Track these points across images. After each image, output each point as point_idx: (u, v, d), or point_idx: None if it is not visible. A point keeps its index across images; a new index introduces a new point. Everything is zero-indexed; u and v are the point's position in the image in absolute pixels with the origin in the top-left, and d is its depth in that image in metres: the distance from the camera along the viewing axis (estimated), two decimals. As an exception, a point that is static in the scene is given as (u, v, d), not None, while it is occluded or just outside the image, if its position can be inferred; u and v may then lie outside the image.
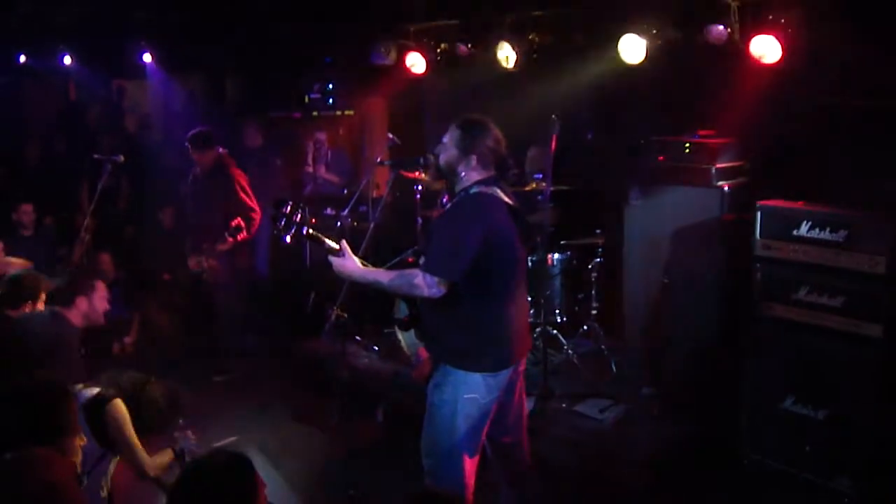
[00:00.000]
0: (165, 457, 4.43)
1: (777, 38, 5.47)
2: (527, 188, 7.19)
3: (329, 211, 8.51)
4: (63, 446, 3.50)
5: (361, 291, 5.73)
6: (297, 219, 4.16)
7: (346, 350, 6.68)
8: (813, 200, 5.28)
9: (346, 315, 6.11)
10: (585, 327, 7.29)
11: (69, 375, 4.45)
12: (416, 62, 7.99)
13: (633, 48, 6.18)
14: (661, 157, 6.16)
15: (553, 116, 6.27)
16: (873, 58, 5.28)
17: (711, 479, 5.38)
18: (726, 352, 5.67)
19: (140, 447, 4.30)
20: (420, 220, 7.89)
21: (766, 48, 5.53)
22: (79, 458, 3.67)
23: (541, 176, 7.12)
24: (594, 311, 7.23)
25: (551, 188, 6.52)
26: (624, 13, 6.22)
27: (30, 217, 8.47)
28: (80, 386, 4.34)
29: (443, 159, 4.27)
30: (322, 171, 9.17)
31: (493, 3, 7.19)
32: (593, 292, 7.21)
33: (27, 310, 5.43)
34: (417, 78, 8.20)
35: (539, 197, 7.07)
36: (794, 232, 5.14)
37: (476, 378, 4.13)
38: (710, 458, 5.53)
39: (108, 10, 8.79)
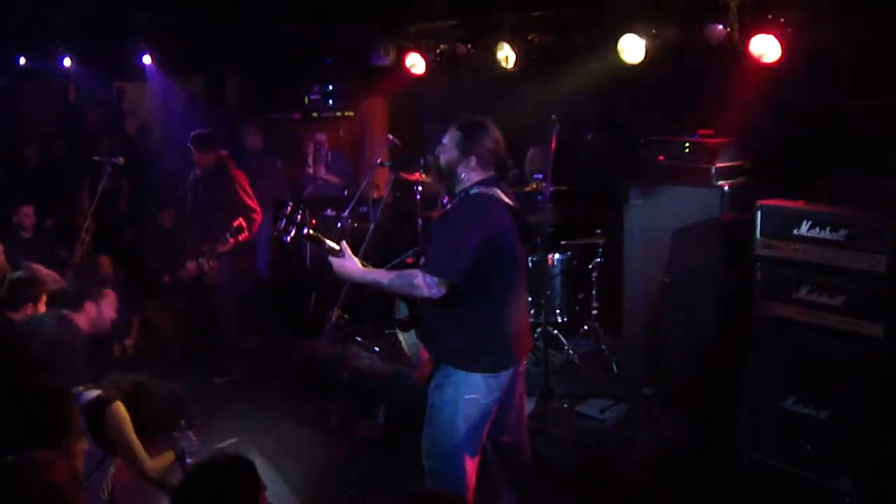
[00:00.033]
0: (166, 458, 4.43)
1: (776, 37, 5.47)
2: (527, 188, 7.19)
3: (329, 212, 8.52)
4: (65, 449, 3.50)
5: (362, 292, 5.74)
6: (298, 219, 4.16)
7: (346, 351, 6.68)
8: (813, 200, 5.28)
9: (346, 316, 6.11)
10: (586, 327, 7.29)
11: (72, 378, 4.45)
12: (415, 63, 7.99)
13: (632, 48, 6.18)
14: (660, 157, 6.16)
15: (553, 117, 6.27)
16: (873, 57, 5.28)
17: (712, 479, 5.39)
18: (727, 351, 5.67)
19: (141, 449, 4.30)
20: (420, 221, 7.89)
21: (765, 48, 5.53)
22: (81, 462, 3.67)
23: (541, 176, 7.12)
24: (595, 311, 7.23)
25: (551, 188, 6.52)
26: (623, 13, 6.22)
27: (30, 219, 8.46)
28: (80, 388, 4.33)
29: (443, 160, 4.27)
30: (322, 172, 9.17)
31: (492, 3, 7.19)
32: (594, 292, 7.21)
33: (28, 311, 5.43)
34: (417, 78, 8.20)
35: (539, 197, 7.07)
36: (795, 231, 5.14)
37: (477, 379, 4.13)
38: (710, 457, 5.53)
39: (108, 12, 8.79)
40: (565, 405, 6.37)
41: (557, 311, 7.20)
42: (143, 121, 12.56)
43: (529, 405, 6.00)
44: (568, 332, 7.22)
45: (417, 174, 7.53)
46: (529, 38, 7.04)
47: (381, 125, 10.02)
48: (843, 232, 4.94)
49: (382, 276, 4.21)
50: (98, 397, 4.30)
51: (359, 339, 7.74)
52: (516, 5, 7.08)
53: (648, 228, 6.25)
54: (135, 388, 4.43)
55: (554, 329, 7.06)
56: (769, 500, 5.26)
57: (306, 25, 8.46)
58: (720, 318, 5.84)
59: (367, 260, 4.35)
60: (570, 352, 7.06)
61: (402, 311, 4.46)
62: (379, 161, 7.92)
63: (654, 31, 6.10)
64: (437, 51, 7.84)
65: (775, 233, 5.25)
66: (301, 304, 8.26)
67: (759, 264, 5.34)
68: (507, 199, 4.22)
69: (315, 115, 9.79)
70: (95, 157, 7.82)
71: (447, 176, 4.28)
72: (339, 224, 7.81)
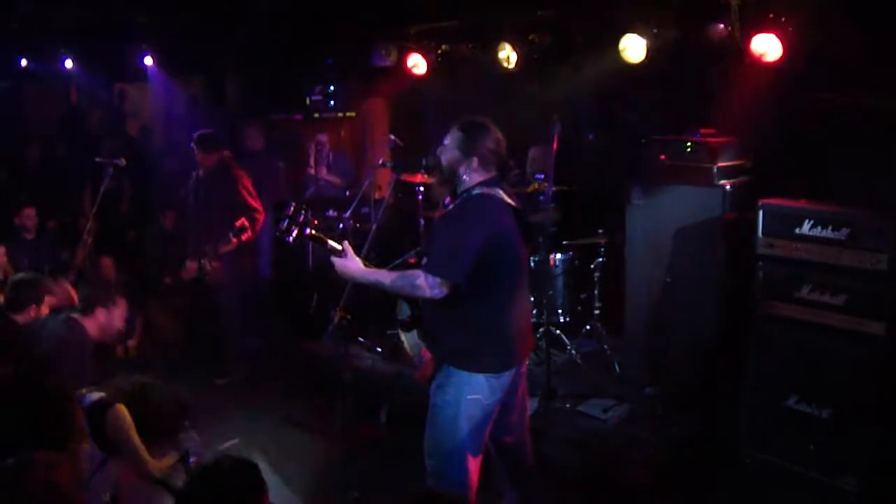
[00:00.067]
0: (170, 459, 4.43)
1: (778, 36, 5.47)
2: (529, 189, 7.19)
3: (331, 213, 8.52)
4: (69, 451, 3.50)
5: (364, 293, 5.74)
6: (300, 220, 4.17)
7: (348, 351, 6.68)
8: (814, 199, 5.28)
9: (348, 316, 6.11)
10: (588, 327, 7.29)
11: (77, 381, 4.45)
12: (417, 63, 8.00)
13: (633, 48, 6.19)
14: (662, 157, 6.16)
15: (554, 117, 6.28)
16: (874, 56, 5.28)
17: (715, 479, 5.38)
18: (729, 351, 5.67)
19: (143, 450, 4.30)
20: (422, 222, 7.89)
21: (766, 47, 5.53)
22: (85, 464, 3.67)
23: (542, 176, 7.12)
24: (597, 311, 7.23)
25: (553, 188, 6.52)
26: (624, 13, 6.23)
27: (32, 221, 8.48)
28: (83, 390, 4.34)
29: (444, 161, 4.27)
30: (324, 172, 9.17)
31: (493, 4, 7.19)
32: (596, 292, 7.22)
33: (31, 313, 5.43)
34: (418, 79, 8.20)
35: (541, 197, 7.07)
36: (796, 230, 5.14)
37: (479, 379, 4.13)
38: (713, 457, 5.53)
39: (109, 14, 8.80)
40: (568, 405, 6.38)
41: (559, 311, 7.21)
42: (145, 122, 12.58)
43: (532, 405, 6.02)
44: (570, 331, 7.23)
45: (419, 176, 7.53)
46: (531, 38, 7.04)
47: (382, 126, 10.02)
48: (844, 231, 4.94)
49: (384, 277, 4.22)
50: (100, 399, 4.30)
51: (361, 339, 7.74)
52: (517, 6, 7.08)
53: (650, 228, 6.25)
54: (138, 391, 4.43)
55: (556, 329, 7.07)
56: (772, 500, 5.25)
57: (307, 26, 8.46)
58: (722, 318, 5.84)
59: (368, 261, 4.36)
60: (573, 352, 7.07)
61: (405, 311, 4.46)
62: (381, 161, 7.92)
63: (655, 30, 6.10)
64: (439, 51, 7.85)
65: (777, 232, 5.25)
66: (303, 305, 8.26)
67: (760, 263, 5.34)
68: (508, 200, 4.22)
69: (316, 115, 9.79)
70: (97, 159, 7.81)
71: (448, 177, 4.28)
72: (341, 225, 7.81)
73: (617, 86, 6.87)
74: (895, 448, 4.88)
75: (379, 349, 7.63)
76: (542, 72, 7.28)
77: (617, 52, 6.25)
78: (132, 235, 9.99)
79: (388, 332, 7.52)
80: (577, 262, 7.30)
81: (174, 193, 9.18)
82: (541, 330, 6.77)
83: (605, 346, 7.10)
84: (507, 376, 4.21)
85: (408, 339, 4.52)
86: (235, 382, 7.48)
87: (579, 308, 7.34)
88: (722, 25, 5.68)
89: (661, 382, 6.21)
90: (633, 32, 6.14)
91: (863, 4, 5.27)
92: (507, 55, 7.10)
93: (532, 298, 6.67)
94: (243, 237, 7.09)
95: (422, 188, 7.74)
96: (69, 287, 6.21)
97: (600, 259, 7.17)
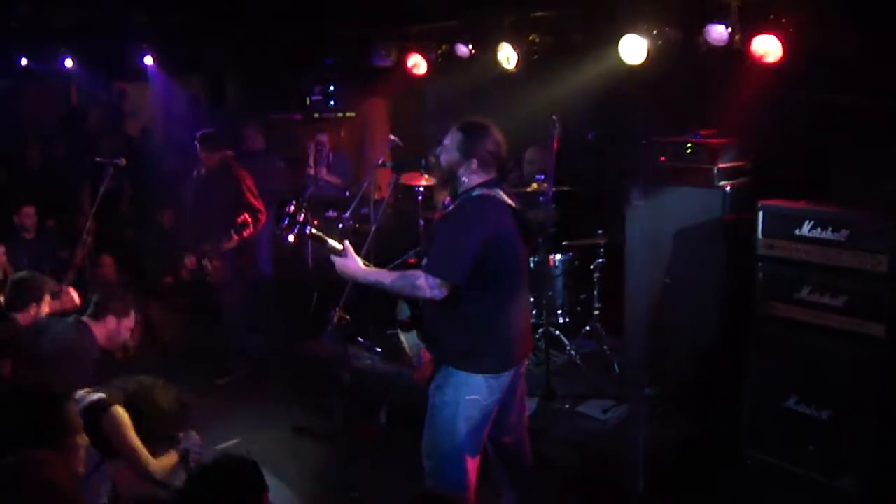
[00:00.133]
0: (170, 459, 4.43)
1: (778, 37, 5.47)
2: (528, 189, 7.19)
3: (331, 213, 8.52)
4: (66, 449, 3.49)
5: (364, 293, 5.73)
6: (301, 218, 4.16)
7: (348, 351, 6.68)
8: (814, 200, 5.28)
9: (348, 317, 6.11)
10: (588, 328, 7.28)
11: (80, 384, 4.44)
12: (417, 63, 7.99)
13: (633, 48, 6.18)
14: (662, 158, 6.15)
15: (553, 117, 6.27)
16: (874, 57, 5.28)
17: (715, 480, 5.38)
18: (729, 352, 5.66)
19: (143, 451, 4.29)
20: (422, 222, 7.89)
21: (767, 48, 5.53)
22: (82, 458, 3.66)
23: (542, 177, 7.12)
24: (596, 312, 7.22)
25: (553, 189, 6.52)
26: (625, 14, 6.22)
27: (32, 220, 8.47)
28: (82, 392, 4.33)
29: (443, 162, 4.27)
30: (323, 172, 9.17)
31: (493, 3, 7.18)
32: (595, 293, 7.21)
33: (32, 312, 5.42)
34: (418, 79, 8.20)
35: (541, 198, 7.07)
36: (796, 231, 5.14)
37: (478, 380, 4.14)
38: (713, 458, 5.52)
39: (109, 13, 8.79)
40: (567, 406, 6.38)
41: (559, 312, 7.20)
42: (145, 122, 12.58)
43: (531, 406, 6.01)
44: (570, 332, 7.22)
45: (419, 177, 7.54)
46: (530, 38, 7.04)
47: (382, 126, 10.02)
48: (844, 232, 4.94)
49: (384, 277, 4.22)
50: (98, 401, 4.29)
51: (360, 339, 7.74)
52: (517, 6, 7.07)
53: (650, 229, 6.24)
54: (139, 391, 4.42)
55: (556, 329, 7.06)
56: (772, 501, 5.26)
57: (307, 26, 8.46)
58: (722, 319, 5.83)
59: (368, 261, 4.36)
60: (572, 352, 7.06)
61: (404, 311, 4.46)
62: (380, 162, 7.93)
63: (655, 31, 6.10)
64: (439, 51, 7.84)
65: (777, 233, 5.25)
66: (303, 305, 8.26)
67: (760, 264, 5.34)
68: (508, 201, 4.22)
69: (316, 115, 9.79)
70: (97, 158, 7.80)
71: (448, 178, 4.28)
72: (341, 225, 7.81)
73: (617, 86, 6.86)
74: (895, 449, 4.88)
75: (378, 349, 7.63)
76: (541, 72, 7.28)
77: (617, 52, 6.24)
78: (132, 235, 9.99)
79: (388, 332, 7.52)
80: (576, 263, 7.30)
81: (174, 193, 9.18)
82: (540, 330, 6.76)
83: (605, 347, 7.10)
84: (505, 377, 4.21)
85: (407, 340, 4.52)
86: (235, 382, 7.49)
87: (579, 309, 7.33)
88: (722, 26, 5.68)
89: (661, 383, 6.20)
90: (634, 33, 6.13)
91: (863, 5, 5.27)
92: (507, 55, 7.10)
93: (532, 299, 6.67)
94: (245, 233, 7.09)
95: (421, 189, 7.75)
96: (72, 290, 6.21)
97: (600, 260, 7.16)
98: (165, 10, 8.73)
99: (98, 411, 4.23)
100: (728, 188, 5.82)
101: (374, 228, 6.34)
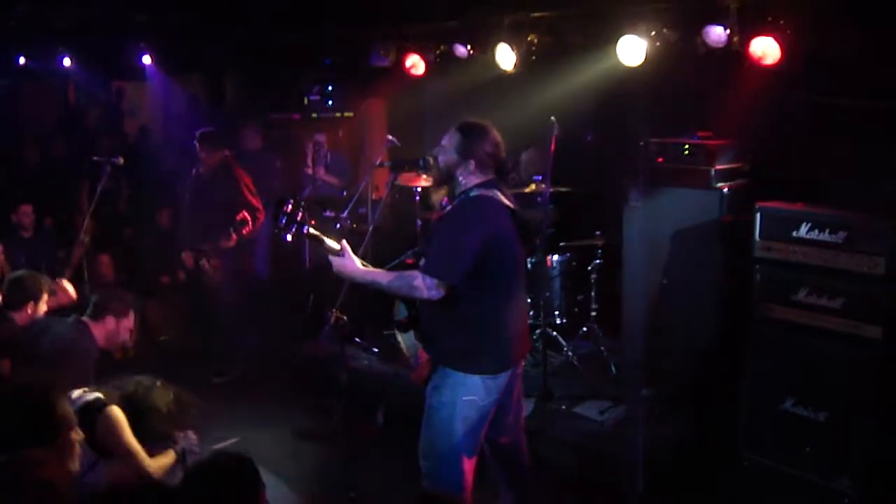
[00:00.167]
0: (167, 459, 4.42)
1: (776, 39, 5.47)
2: (526, 190, 7.19)
3: (328, 213, 8.51)
4: (58, 446, 3.49)
5: (361, 293, 5.73)
6: (299, 218, 4.16)
7: (345, 352, 6.67)
8: (812, 202, 5.29)
9: (345, 317, 6.11)
10: (585, 329, 7.28)
11: (79, 384, 4.43)
12: (415, 64, 7.99)
13: (632, 50, 6.18)
14: (660, 159, 6.16)
15: (552, 118, 6.27)
16: (872, 59, 5.28)
17: (712, 481, 5.39)
18: (726, 353, 5.67)
19: (140, 451, 4.27)
20: (419, 222, 7.89)
21: (765, 49, 5.53)
22: (77, 454, 3.66)
23: (540, 178, 7.13)
24: (594, 313, 7.22)
25: (551, 190, 6.52)
26: (623, 15, 6.22)
27: (29, 218, 8.47)
28: (78, 391, 4.32)
29: (441, 162, 4.27)
30: (321, 172, 9.16)
31: (492, 4, 7.18)
32: (593, 294, 7.21)
33: (29, 311, 5.42)
34: (417, 79, 8.20)
35: (538, 198, 7.07)
36: (794, 233, 5.15)
37: (475, 380, 4.14)
38: (710, 459, 5.53)
39: (108, 12, 8.79)
40: (564, 407, 6.38)
41: (556, 313, 7.20)
42: (143, 121, 12.58)
43: (528, 406, 6.02)
44: (567, 333, 7.22)
45: (416, 178, 7.53)
46: (529, 39, 7.03)
47: (380, 126, 10.02)
48: (841, 234, 4.95)
49: (382, 277, 4.22)
50: (94, 401, 4.28)
51: (358, 339, 7.74)
52: (516, 6, 7.07)
53: (648, 230, 6.23)
54: (137, 391, 4.41)
55: (553, 330, 7.06)
56: (769, 502, 5.26)
57: (306, 26, 8.45)
58: (719, 320, 5.84)
59: (365, 261, 4.35)
60: (569, 353, 7.06)
61: (402, 312, 4.45)
62: (378, 161, 7.92)
63: (653, 32, 6.10)
64: (437, 52, 7.84)
65: (774, 235, 5.26)
66: (300, 305, 8.25)
67: (758, 266, 5.35)
68: (506, 202, 4.22)
69: (314, 115, 9.79)
70: (95, 157, 7.80)
71: (445, 178, 4.28)
72: (338, 225, 7.80)
73: (615, 87, 6.86)
74: (891, 451, 4.88)
75: (375, 350, 7.62)
76: (540, 73, 7.28)
77: (615, 53, 6.25)
78: (129, 234, 9.99)
79: (385, 332, 7.52)
80: (574, 264, 7.30)
81: (172, 192, 9.18)
82: (537, 331, 6.77)
83: (602, 348, 7.10)
84: (503, 377, 4.21)
85: (404, 340, 4.51)
86: (232, 382, 7.49)
87: (576, 309, 7.33)
88: (721, 28, 5.68)
89: (658, 384, 6.21)
90: (632, 34, 6.13)
91: (861, 7, 5.27)
92: (505, 56, 7.09)
93: (529, 300, 6.67)
94: (244, 231, 7.08)
95: (419, 189, 7.75)
96: (66, 283, 6.21)
97: (597, 261, 7.17)
98: (165, 9, 8.72)
99: (93, 411, 4.22)
100: (725, 190, 5.82)
101: (371, 228, 6.32)
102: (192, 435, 4.57)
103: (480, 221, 4.08)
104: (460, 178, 4.21)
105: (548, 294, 7.05)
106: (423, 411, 4.27)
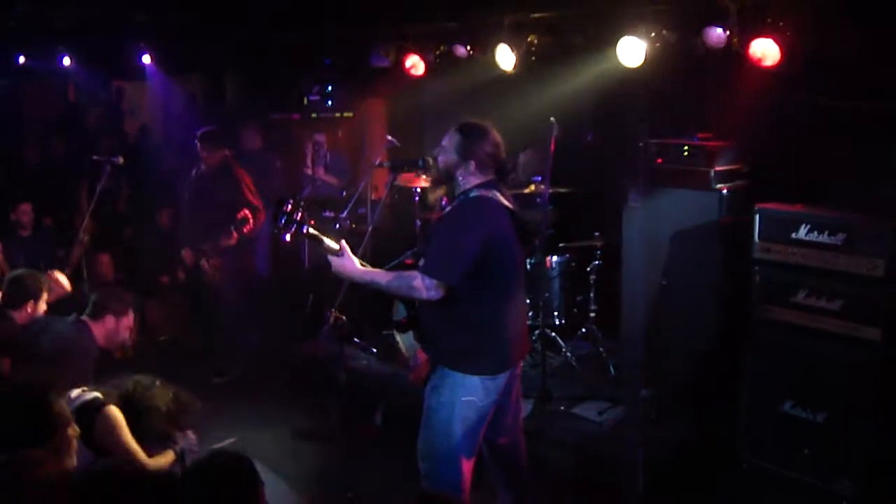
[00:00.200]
0: (166, 459, 4.42)
1: (776, 41, 5.47)
2: (526, 190, 7.19)
3: (328, 213, 8.51)
4: (55, 445, 3.50)
5: (360, 293, 5.74)
6: (298, 218, 4.16)
7: (344, 352, 6.68)
8: (811, 203, 5.29)
9: (344, 317, 6.11)
10: (584, 329, 7.29)
11: (79, 383, 4.43)
12: (415, 64, 7.99)
13: (632, 51, 6.18)
14: (659, 160, 6.16)
15: (552, 119, 6.27)
16: (872, 60, 5.28)
17: (710, 482, 5.38)
18: (725, 354, 5.67)
19: (138, 451, 4.27)
20: (419, 223, 7.89)
21: (765, 51, 5.53)
22: (74, 450, 3.66)
23: (539, 178, 7.13)
24: (593, 314, 7.23)
25: (550, 190, 6.52)
26: (623, 16, 6.22)
27: (28, 217, 8.47)
28: (77, 391, 4.32)
29: (441, 163, 4.28)
30: (321, 172, 9.17)
31: (492, 5, 7.18)
32: (592, 295, 7.22)
33: (29, 309, 5.43)
34: (416, 80, 8.20)
35: (538, 199, 7.08)
36: (793, 235, 5.15)
37: (474, 381, 4.14)
38: (709, 460, 5.53)
39: (108, 12, 8.79)
40: (563, 407, 6.38)
41: (555, 314, 7.20)
42: (143, 120, 12.58)
43: (527, 407, 6.03)
44: (566, 334, 7.22)
45: (415, 179, 7.53)
46: (529, 39, 7.03)
47: (380, 126, 10.02)
48: (841, 236, 4.95)
49: (381, 277, 4.22)
50: (93, 400, 4.28)
51: (356, 340, 7.74)
52: (516, 7, 7.07)
53: (647, 231, 6.23)
54: (136, 390, 4.42)
55: (552, 331, 7.06)
56: (767, 504, 5.27)
57: (306, 26, 8.45)
58: (718, 322, 5.83)
59: (365, 261, 4.35)
60: (568, 354, 7.06)
61: (401, 312, 4.46)
62: (378, 162, 7.93)
63: (653, 33, 6.10)
64: (437, 52, 7.84)
65: (774, 236, 5.26)
66: (299, 305, 8.26)
67: (757, 268, 5.35)
68: (506, 202, 4.22)
69: (314, 115, 9.78)
70: (95, 157, 7.82)
71: (445, 179, 4.28)
72: (338, 225, 7.81)
73: (615, 88, 6.86)
74: (890, 453, 4.88)
75: (374, 350, 7.63)
76: (539, 74, 7.28)
77: (615, 54, 6.25)
78: (129, 234, 9.99)
79: (384, 332, 7.52)
80: (573, 265, 7.30)
81: (172, 192, 9.18)
82: (536, 332, 6.77)
83: (601, 349, 7.10)
84: (502, 378, 4.21)
85: (403, 341, 4.51)
86: (232, 381, 7.49)
87: (575, 310, 7.33)
88: (720, 29, 5.68)
89: (658, 385, 6.20)
90: (632, 35, 6.13)
91: (861, 8, 5.27)
92: (505, 57, 7.09)
93: (528, 300, 6.66)
94: (245, 229, 7.08)
95: (419, 189, 7.75)
96: (58, 274, 6.22)
97: (597, 262, 7.17)
98: (165, 9, 8.72)
99: (92, 410, 4.22)
100: (725, 191, 5.82)
101: (370, 228, 6.34)
102: (191, 435, 4.57)
103: (480, 222, 4.08)
104: (460, 179, 4.21)
105: (547, 295, 7.05)
106: (421, 412, 4.27)
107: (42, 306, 5.52)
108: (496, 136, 4.23)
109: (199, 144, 7.55)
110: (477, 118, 4.31)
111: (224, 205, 7.37)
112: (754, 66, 5.60)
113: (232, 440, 5.99)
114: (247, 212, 7.08)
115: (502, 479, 4.64)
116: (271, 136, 9.41)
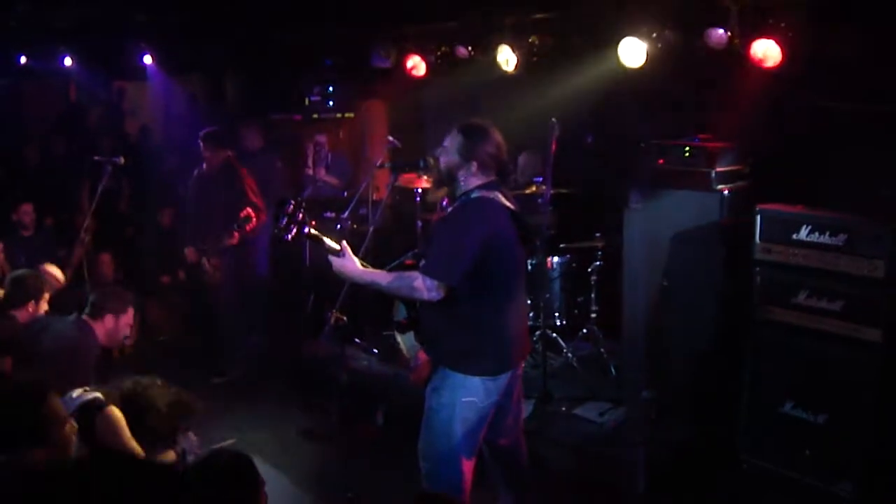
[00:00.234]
0: (167, 458, 4.42)
1: (777, 42, 5.47)
2: (527, 192, 7.19)
3: (329, 214, 8.50)
4: (52, 440, 3.50)
5: (361, 293, 5.74)
6: (299, 218, 4.16)
7: (345, 352, 6.69)
8: (812, 204, 5.29)
9: (345, 318, 6.12)
10: (585, 330, 7.29)
11: (80, 382, 4.44)
12: (416, 65, 7.99)
13: (633, 52, 6.18)
14: (660, 161, 6.15)
15: (553, 119, 6.27)
16: (873, 62, 5.29)
17: (711, 483, 5.38)
18: (726, 355, 5.67)
19: (139, 451, 4.28)
20: (420, 223, 7.89)
21: (766, 52, 5.53)
22: (73, 448, 3.66)
23: (540, 179, 7.13)
24: (594, 315, 7.22)
25: (551, 191, 6.52)
26: (624, 16, 6.23)
27: (30, 217, 8.47)
28: (78, 391, 4.32)
29: (443, 163, 4.27)
30: (322, 173, 9.16)
31: (493, 5, 7.19)
32: (593, 295, 7.21)
33: (30, 309, 5.44)
34: (417, 80, 8.20)
35: (539, 200, 7.07)
36: (794, 236, 5.15)
37: (475, 381, 4.14)
38: (709, 461, 5.53)
39: (109, 12, 8.80)
40: (564, 408, 6.38)
41: (556, 315, 7.20)
42: (144, 120, 12.59)
43: (528, 408, 6.03)
44: (567, 335, 7.22)
45: (417, 180, 7.53)
46: (530, 40, 7.03)
47: (381, 127, 10.02)
48: (842, 237, 4.94)
49: (382, 278, 4.22)
50: (94, 400, 4.28)
51: (357, 340, 7.74)
52: (517, 8, 7.08)
53: (648, 232, 6.24)
54: (137, 391, 4.42)
55: (553, 332, 7.06)
56: (768, 505, 5.27)
57: (306, 26, 8.46)
58: (719, 322, 5.83)
59: (366, 262, 4.36)
60: (569, 355, 7.07)
61: (401, 312, 4.45)
62: (379, 162, 7.93)
63: (654, 34, 6.10)
64: (438, 53, 7.84)
65: (775, 237, 5.26)
66: (300, 305, 8.26)
67: (758, 269, 5.35)
68: (507, 203, 4.22)
69: (315, 116, 9.78)
70: (96, 157, 7.82)
71: (446, 180, 4.28)
72: (339, 226, 7.79)
73: (616, 89, 6.86)
74: (891, 454, 4.88)
75: (375, 350, 7.63)
76: (540, 74, 7.28)
77: (616, 55, 6.25)
78: (130, 233, 9.99)
79: (385, 333, 7.52)
80: (574, 266, 7.30)
81: (172, 192, 9.19)
82: (537, 333, 6.77)
83: (602, 350, 7.10)
84: (502, 379, 4.21)
85: (404, 341, 4.51)
86: (232, 382, 7.49)
87: (576, 311, 7.33)
88: (721, 30, 5.68)
89: (658, 386, 6.20)
90: (633, 36, 6.14)
91: (861, 10, 5.27)
92: (506, 57, 7.10)
93: (529, 301, 6.67)
94: (247, 228, 7.08)
95: (420, 190, 7.75)
96: (50, 267, 6.23)
97: (598, 262, 7.17)
98: (165, 9, 8.73)
99: (93, 410, 4.22)
100: (726, 192, 5.81)
101: (371, 229, 6.34)
102: (191, 435, 4.57)
103: (480, 223, 4.08)
104: (461, 180, 4.21)
105: (548, 296, 7.06)
106: (422, 412, 4.27)
107: (44, 306, 5.53)
108: (498, 136, 4.23)
109: (202, 144, 7.56)
110: (479, 119, 4.30)
111: (227, 205, 7.37)
112: (755, 67, 5.61)
113: (232, 440, 6.00)
114: (250, 210, 7.08)
115: (503, 480, 4.64)
116: (272, 136, 9.41)
